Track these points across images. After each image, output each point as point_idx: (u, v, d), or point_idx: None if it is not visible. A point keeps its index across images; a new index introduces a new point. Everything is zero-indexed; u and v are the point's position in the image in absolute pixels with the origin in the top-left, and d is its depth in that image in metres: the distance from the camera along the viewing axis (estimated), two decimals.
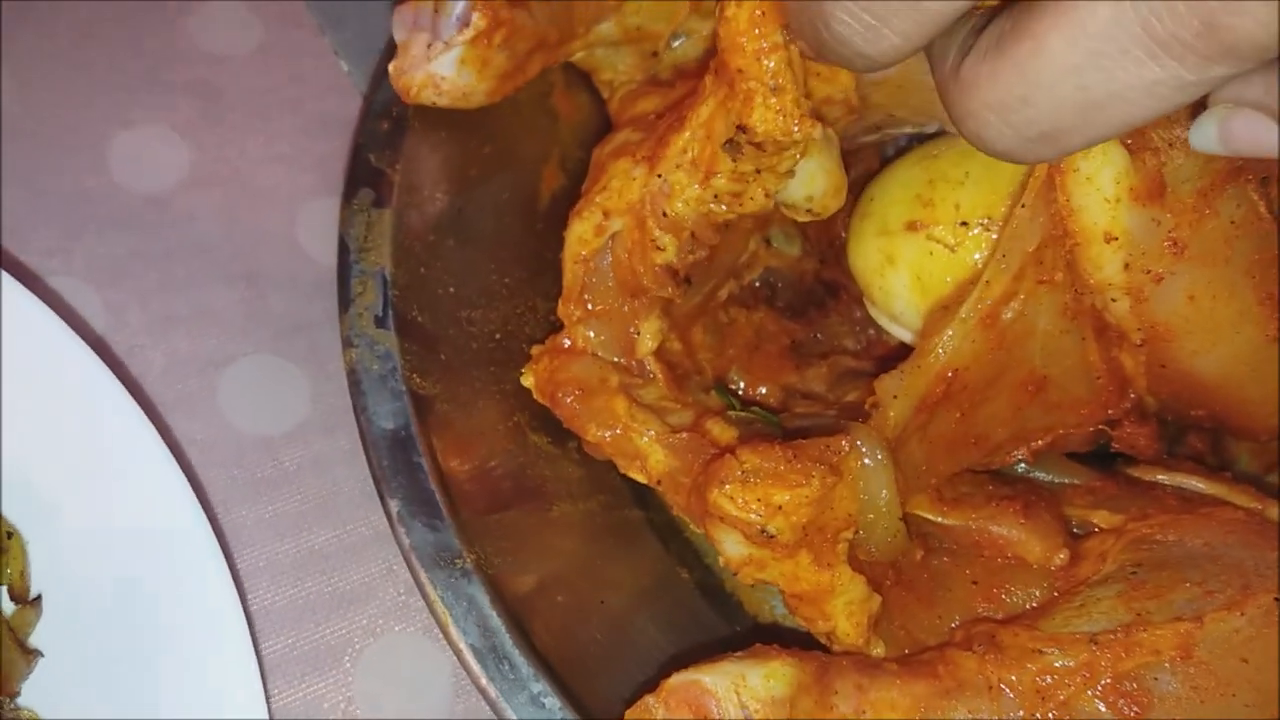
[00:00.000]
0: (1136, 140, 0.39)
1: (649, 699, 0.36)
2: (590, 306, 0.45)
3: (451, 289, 0.48)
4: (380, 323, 0.45)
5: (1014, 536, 0.43)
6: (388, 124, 0.49)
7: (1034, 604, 0.42)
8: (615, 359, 0.45)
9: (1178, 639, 0.38)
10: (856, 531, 0.40)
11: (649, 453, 0.42)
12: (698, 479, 0.40)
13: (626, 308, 0.45)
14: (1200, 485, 0.48)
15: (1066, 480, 0.48)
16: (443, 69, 0.44)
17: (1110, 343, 0.43)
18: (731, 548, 0.39)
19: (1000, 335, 0.41)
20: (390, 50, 0.51)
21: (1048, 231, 0.40)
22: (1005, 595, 0.42)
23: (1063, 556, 0.43)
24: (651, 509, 0.50)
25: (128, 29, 0.55)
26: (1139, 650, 0.38)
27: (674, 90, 0.49)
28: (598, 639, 0.44)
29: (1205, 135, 0.34)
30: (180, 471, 0.42)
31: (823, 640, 0.42)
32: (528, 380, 0.46)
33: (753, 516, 0.38)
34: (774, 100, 0.39)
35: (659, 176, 0.43)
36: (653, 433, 0.42)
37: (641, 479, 0.43)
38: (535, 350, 0.46)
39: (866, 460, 0.40)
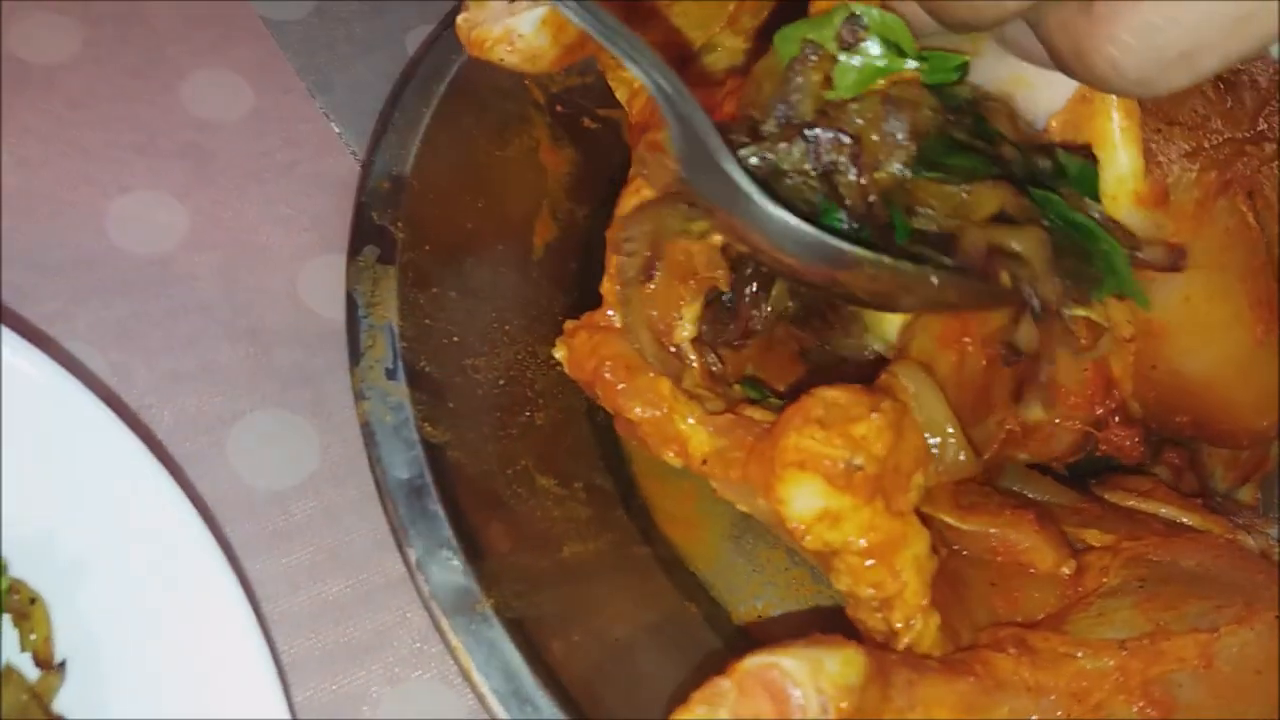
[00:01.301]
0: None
1: (720, 681, 0.34)
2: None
3: (455, 339, 0.50)
4: (391, 375, 0.46)
5: (1029, 544, 0.44)
6: (388, 183, 0.51)
7: (1046, 609, 0.44)
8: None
9: (1199, 648, 0.41)
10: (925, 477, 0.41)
11: (691, 436, 0.42)
12: (758, 444, 0.40)
13: (672, 291, 0.45)
14: (1174, 513, 0.51)
15: (1055, 500, 0.50)
16: (523, 26, 0.45)
17: (1098, 345, 0.45)
18: (806, 501, 0.38)
19: None
20: (386, 117, 0.53)
21: None
22: (1021, 598, 0.44)
23: (1071, 566, 0.45)
24: (657, 544, 0.51)
25: (122, 100, 0.56)
26: (1165, 658, 0.40)
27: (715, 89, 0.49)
28: (613, 675, 0.45)
29: None
30: (205, 526, 0.42)
31: (876, 620, 0.41)
32: (560, 353, 0.46)
33: (839, 451, 0.38)
34: None
35: None
36: (695, 415, 0.42)
37: (675, 462, 0.43)
38: (569, 325, 0.46)
39: (917, 382, 0.41)
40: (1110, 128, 0.40)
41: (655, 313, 0.44)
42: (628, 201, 0.46)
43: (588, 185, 0.58)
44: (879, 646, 0.41)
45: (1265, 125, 0.48)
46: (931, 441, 0.41)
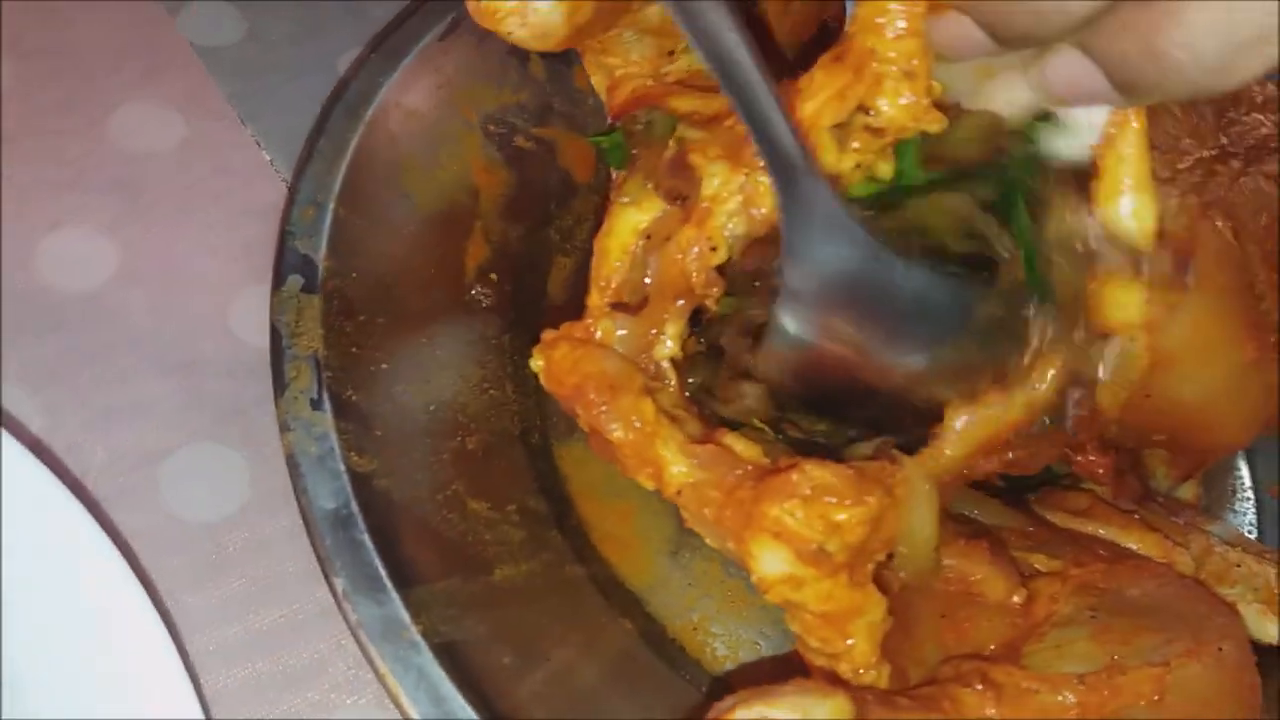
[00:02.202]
0: None
1: None
2: (621, 299, 0.45)
3: (384, 366, 0.50)
4: (316, 405, 0.47)
5: (981, 574, 0.45)
6: (313, 211, 0.51)
7: (997, 639, 0.44)
8: (635, 359, 0.44)
9: (1153, 682, 0.41)
10: (890, 556, 0.41)
11: (670, 462, 0.42)
12: (739, 491, 0.40)
13: (659, 308, 0.44)
14: (1115, 533, 0.51)
15: (1004, 524, 0.51)
16: (541, 2, 0.43)
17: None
18: (773, 564, 0.39)
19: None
20: (311, 143, 0.54)
21: None
22: (972, 629, 0.44)
23: (1021, 595, 0.45)
24: (592, 564, 0.52)
25: (50, 135, 0.57)
26: (1121, 693, 0.41)
27: (709, 96, 0.47)
28: (546, 695, 0.45)
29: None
30: (125, 564, 0.43)
31: (824, 665, 0.42)
32: (537, 364, 0.44)
33: (813, 533, 0.38)
34: (905, 85, 0.40)
35: (744, 174, 0.42)
36: (677, 442, 0.42)
37: (649, 485, 0.42)
38: (548, 335, 0.45)
39: (917, 488, 0.41)
40: (1141, 170, 0.41)
41: (632, 333, 0.44)
42: (638, 216, 0.45)
43: (522, 205, 0.59)
44: (838, 680, 0.42)
45: (1226, 139, 0.48)
46: (909, 542, 0.42)
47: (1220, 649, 0.43)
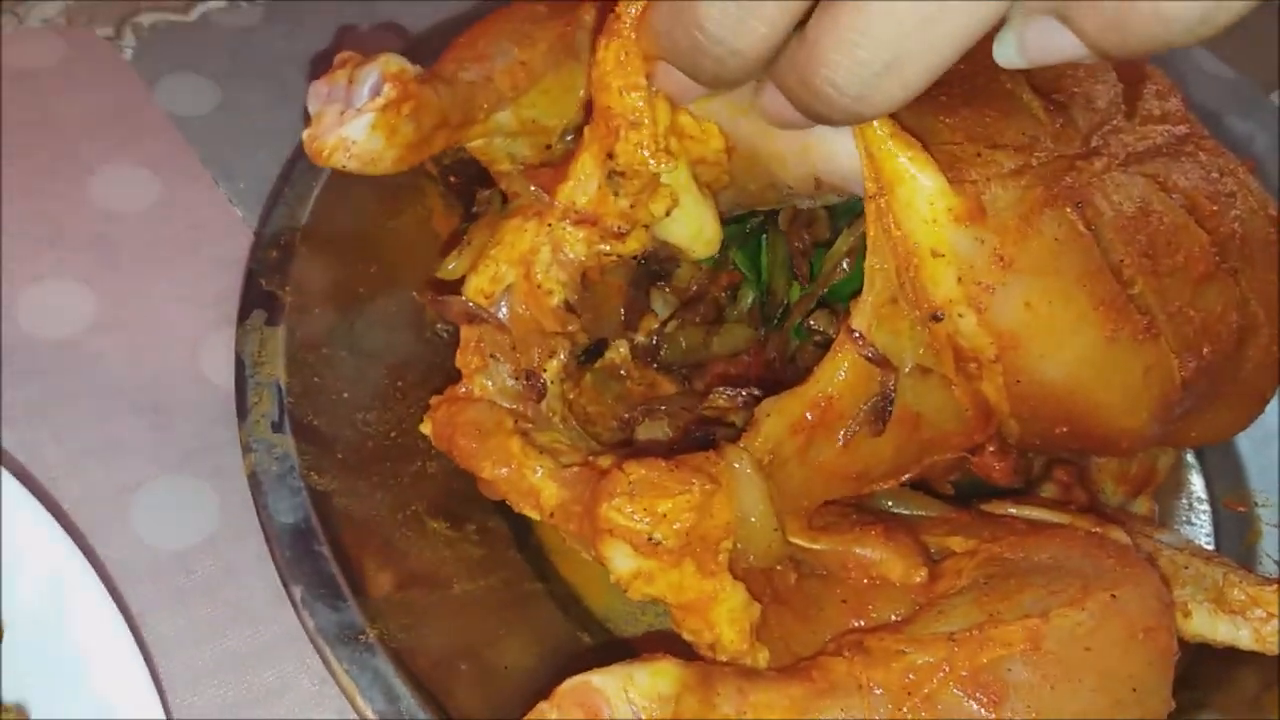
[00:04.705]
0: (955, 173, 0.44)
1: (543, 705, 0.37)
2: (487, 356, 0.49)
3: (345, 394, 0.52)
4: (277, 428, 0.49)
5: (877, 557, 0.46)
6: (277, 252, 0.54)
7: (898, 618, 0.45)
8: (512, 405, 0.49)
9: (1026, 633, 0.42)
10: (735, 543, 0.43)
11: (541, 488, 0.46)
12: (587, 500, 0.44)
13: (523, 357, 0.49)
14: (1047, 515, 0.52)
15: (924, 513, 0.52)
16: (354, 133, 0.47)
17: (970, 376, 0.48)
18: (621, 562, 0.42)
19: (868, 369, 0.45)
20: (277, 190, 0.57)
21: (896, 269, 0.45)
22: (873, 611, 0.45)
23: (922, 574, 0.46)
24: (551, 581, 0.53)
25: (33, 196, 0.60)
26: (992, 645, 0.41)
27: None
28: (500, 703, 0.46)
29: (1006, 49, 0.38)
30: (102, 586, 0.44)
31: (708, 655, 0.44)
32: (426, 428, 0.49)
33: (640, 525, 0.41)
34: (633, 134, 0.46)
35: (548, 226, 0.49)
36: (544, 469, 0.46)
37: (535, 515, 0.46)
38: (433, 400, 0.50)
39: (738, 470, 0.43)
40: (900, 164, 0.43)
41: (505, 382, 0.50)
42: (478, 280, 0.50)
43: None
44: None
45: (1100, 142, 0.51)
46: (745, 526, 0.44)
47: (1113, 596, 0.43)
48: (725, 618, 0.43)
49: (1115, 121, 0.52)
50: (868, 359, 0.44)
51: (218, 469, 0.53)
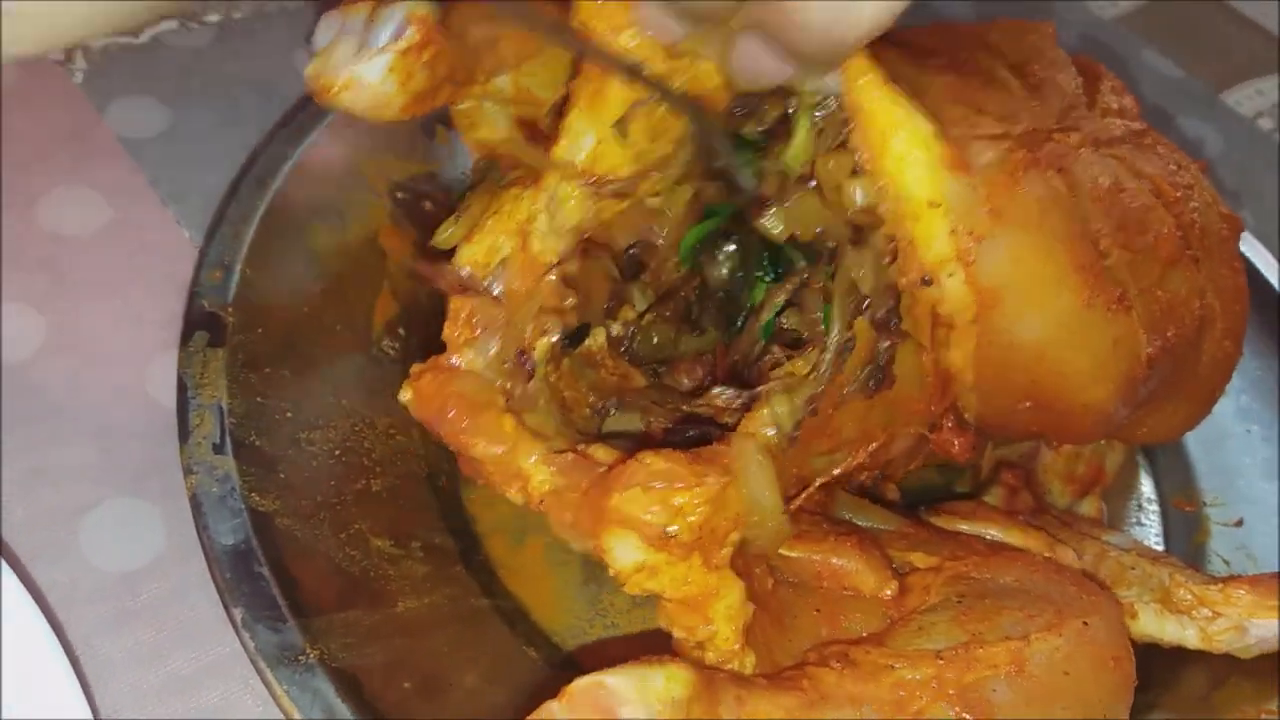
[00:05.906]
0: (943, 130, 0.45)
1: (551, 704, 0.36)
2: (477, 330, 0.48)
3: (289, 414, 0.52)
4: (218, 449, 0.49)
5: (851, 568, 0.46)
6: (220, 273, 0.54)
7: (870, 630, 0.46)
8: (500, 382, 0.47)
9: (1010, 655, 0.43)
10: (742, 534, 0.43)
11: (532, 473, 0.44)
12: (591, 490, 0.43)
13: (519, 330, 0.47)
14: (998, 533, 0.53)
15: (884, 526, 0.52)
16: (370, 73, 0.45)
17: (939, 343, 0.48)
18: (626, 554, 0.41)
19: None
20: (221, 210, 0.57)
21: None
22: (845, 621, 0.46)
23: (893, 587, 0.47)
24: (498, 596, 0.53)
25: None
26: (978, 665, 0.42)
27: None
28: (448, 718, 0.47)
29: None
30: (40, 613, 0.45)
31: (694, 655, 0.44)
32: (405, 395, 0.47)
33: (655, 518, 0.40)
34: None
35: (546, 189, 0.47)
36: (538, 454, 0.44)
37: (518, 499, 0.45)
38: (415, 368, 0.48)
39: (749, 457, 0.43)
40: (894, 111, 0.44)
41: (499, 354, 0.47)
42: (473, 250, 0.48)
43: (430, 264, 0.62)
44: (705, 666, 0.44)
45: (1071, 123, 0.51)
46: (756, 514, 0.44)
47: (1085, 623, 0.44)
48: (723, 614, 0.43)
49: (1080, 110, 0.53)
50: None
51: (165, 491, 0.54)
